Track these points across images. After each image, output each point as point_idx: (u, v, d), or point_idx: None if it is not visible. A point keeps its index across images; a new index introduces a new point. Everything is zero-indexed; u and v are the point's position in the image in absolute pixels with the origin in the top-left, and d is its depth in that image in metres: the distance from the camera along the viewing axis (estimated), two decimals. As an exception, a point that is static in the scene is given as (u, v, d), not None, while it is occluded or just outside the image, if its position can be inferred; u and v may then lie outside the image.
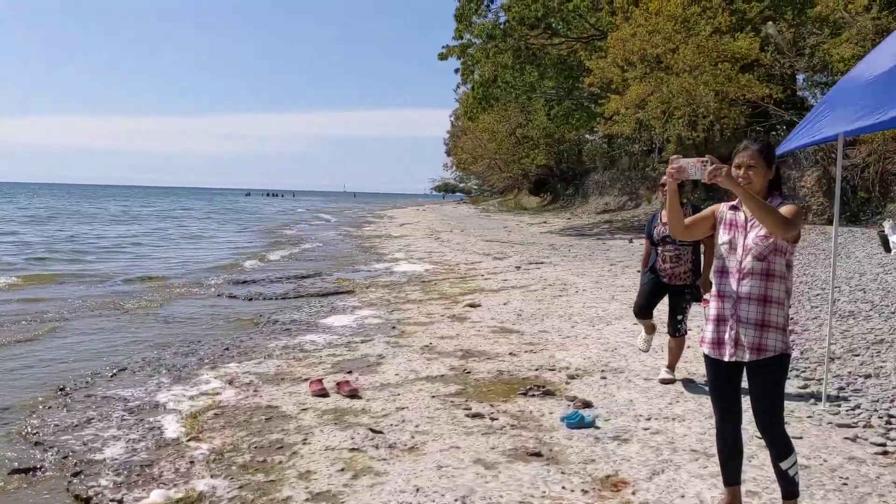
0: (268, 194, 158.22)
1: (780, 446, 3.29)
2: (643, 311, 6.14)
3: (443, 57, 26.93)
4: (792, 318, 8.35)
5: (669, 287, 5.96)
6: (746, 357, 3.25)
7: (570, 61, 25.63)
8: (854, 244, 13.46)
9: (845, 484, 4.00)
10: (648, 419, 5.15)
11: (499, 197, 60.88)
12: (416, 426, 5.06)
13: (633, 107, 19.58)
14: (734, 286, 3.27)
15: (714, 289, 3.38)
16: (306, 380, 6.26)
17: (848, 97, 4.88)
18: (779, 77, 19.90)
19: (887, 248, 11.79)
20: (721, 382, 3.40)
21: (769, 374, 3.25)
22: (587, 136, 38.62)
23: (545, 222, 32.47)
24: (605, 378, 6.27)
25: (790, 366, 6.43)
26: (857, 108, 4.57)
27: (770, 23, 19.83)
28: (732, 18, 18.97)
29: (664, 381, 5.99)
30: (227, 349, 7.68)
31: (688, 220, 3.48)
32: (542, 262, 15.78)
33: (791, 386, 5.92)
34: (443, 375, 6.42)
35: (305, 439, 4.87)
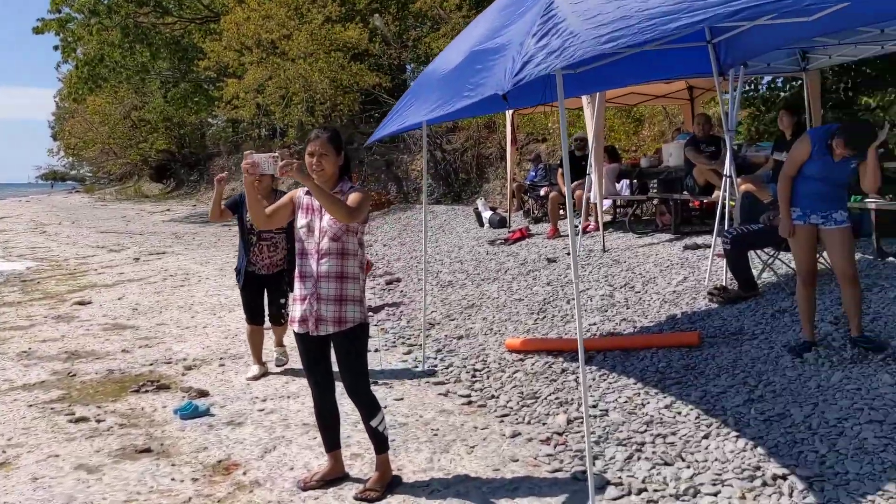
0: None
1: (368, 407, 3.62)
2: (257, 315, 5.91)
3: (38, 31, 24.09)
4: (402, 291, 9.08)
5: (268, 277, 5.83)
6: (330, 330, 3.52)
7: (184, 42, 24.67)
8: (456, 221, 14.93)
9: (436, 434, 4.49)
10: (264, 400, 5.27)
11: (117, 185, 56.64)
12: (9, 440, 4.59)
13: (251, 91, 19.50)
14: (314, 266, 3.51)
15: (297, 270, 3.58)
16: None
17: (428, 89, 5.39)
18: (388, 67, 21.23)
19: (481, 223, 13.31)
20: (312, 356, 3.63)
21: (351, 344, 3.55)
22: (210, 120, 37.55)
23: (168, 210, 31.04)
24: (223, 365, 6.25)
25: (397, 333, 7.06)
26: (434, 99, 5.05)
27: (377, 14, 21.06)
28: (342, 9, 19.78)
29: (279, 364, 6.10)
30: None
31: (268, 209, 3.63)
32: (163, 253, 15.12)
33: (397, 352, 6.46)
34: (43, 381, 5.88)
35: None
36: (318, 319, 3.51)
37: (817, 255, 5.06)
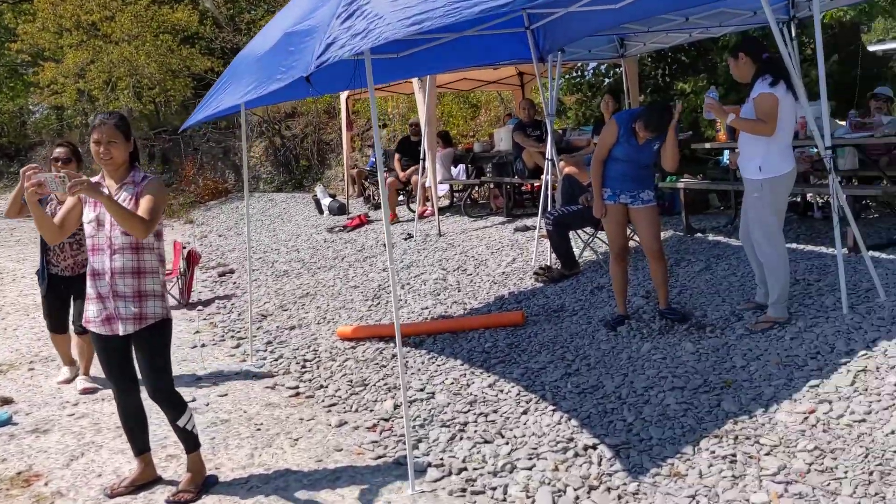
0: None
1: (173, 406, 3.45)
2: (60, 324, 5.28)
3: None
4: (235, 283, 8.79)
5: (73, 279, 5.06)
6: (130, 328, 3.32)
7: (-6, 23, 22.76)
8: (295, 209, 14.64)
9: (259, 429, 4.36)
10: (76, 404, 4.94)
11: (-75, 178, 51.64)
12: None
13: (72, 76, 18.25)
14: (107, 262, 3.30)
15: (89, 267, 3.35)
16: None
17: (244, 70, 5.20)
18: (220, 50, 20.44)
19: (320, 211, 13.12)
20: (112, 357, 3.42)
21: (152, 341, 3.37)
22: (31, 107, 34.88)
23: (-16, 205, 28.67)
24: (33, 370, 5.82)
25: (227, 327, 6.83)
26: (250, 81, 4.87)
27: (207, -4, 20.26)
28: (171, -11, 18.88)
29: (85, 392, 5.16)
30: None
31: (57, 218, 3.36)
32: (-26, 251, 13.92)
33: (225, 347, 6.24)
34: None
35: None
36: (116, 318, 3.30)
37: (628, 233, 5.31)
